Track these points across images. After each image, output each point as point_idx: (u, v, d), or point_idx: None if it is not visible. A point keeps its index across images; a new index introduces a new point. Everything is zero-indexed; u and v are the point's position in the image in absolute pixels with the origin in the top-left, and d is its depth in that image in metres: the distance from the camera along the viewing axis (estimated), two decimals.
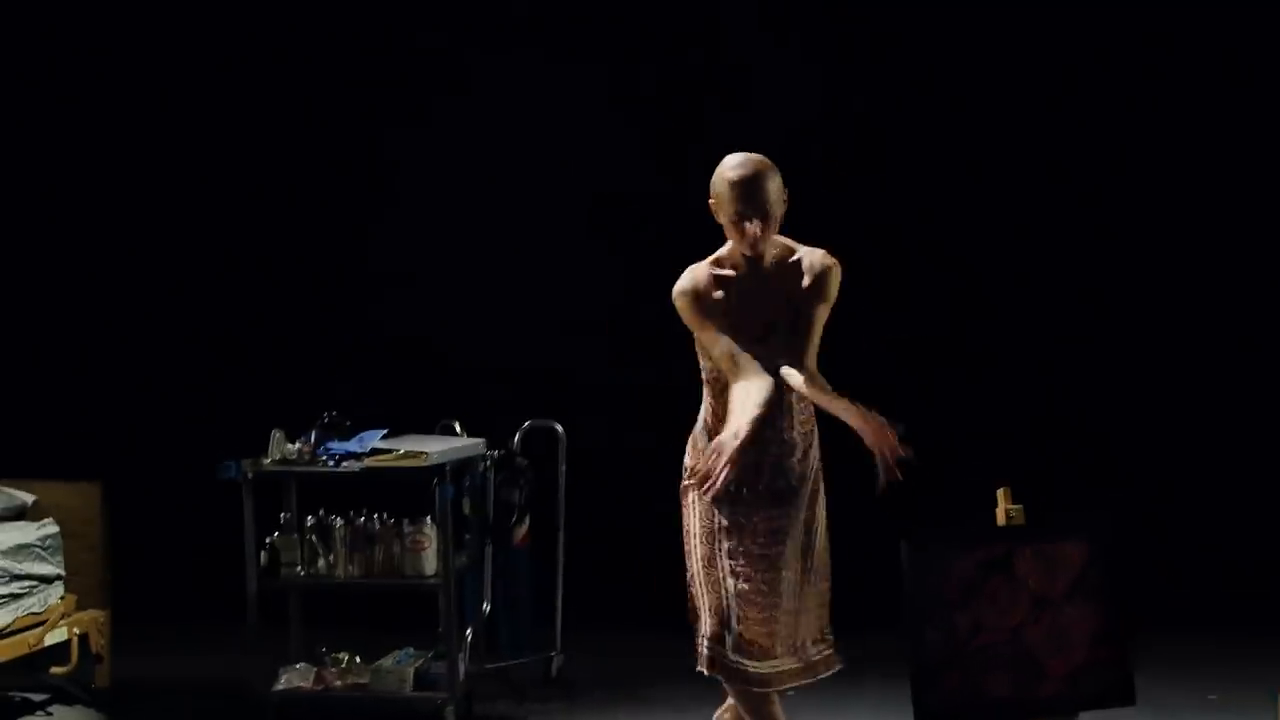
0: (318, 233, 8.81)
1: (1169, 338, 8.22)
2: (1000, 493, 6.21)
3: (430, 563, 6.61)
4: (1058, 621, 6.12)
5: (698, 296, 5.17)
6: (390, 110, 8.77)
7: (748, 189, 5.10)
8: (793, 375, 5.11)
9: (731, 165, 5.14)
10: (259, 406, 7.38)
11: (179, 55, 8.88)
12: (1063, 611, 6.13)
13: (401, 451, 6.58)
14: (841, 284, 5.21)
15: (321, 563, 6.71)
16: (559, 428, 7.46)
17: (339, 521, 6.72)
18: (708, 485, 5.02)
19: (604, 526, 7.95)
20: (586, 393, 8.26)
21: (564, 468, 7.46)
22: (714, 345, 5.13)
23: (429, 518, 6.63)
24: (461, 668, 6.72)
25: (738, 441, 5.00)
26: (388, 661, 6.73)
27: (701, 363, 5.26)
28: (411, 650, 6.81)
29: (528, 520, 7.37)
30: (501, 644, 7.37)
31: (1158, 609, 7.35)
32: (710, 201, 5.20)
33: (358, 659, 6.79)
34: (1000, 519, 6.21)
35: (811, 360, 5.16)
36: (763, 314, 5.18)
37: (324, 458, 6.62)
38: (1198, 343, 8.18)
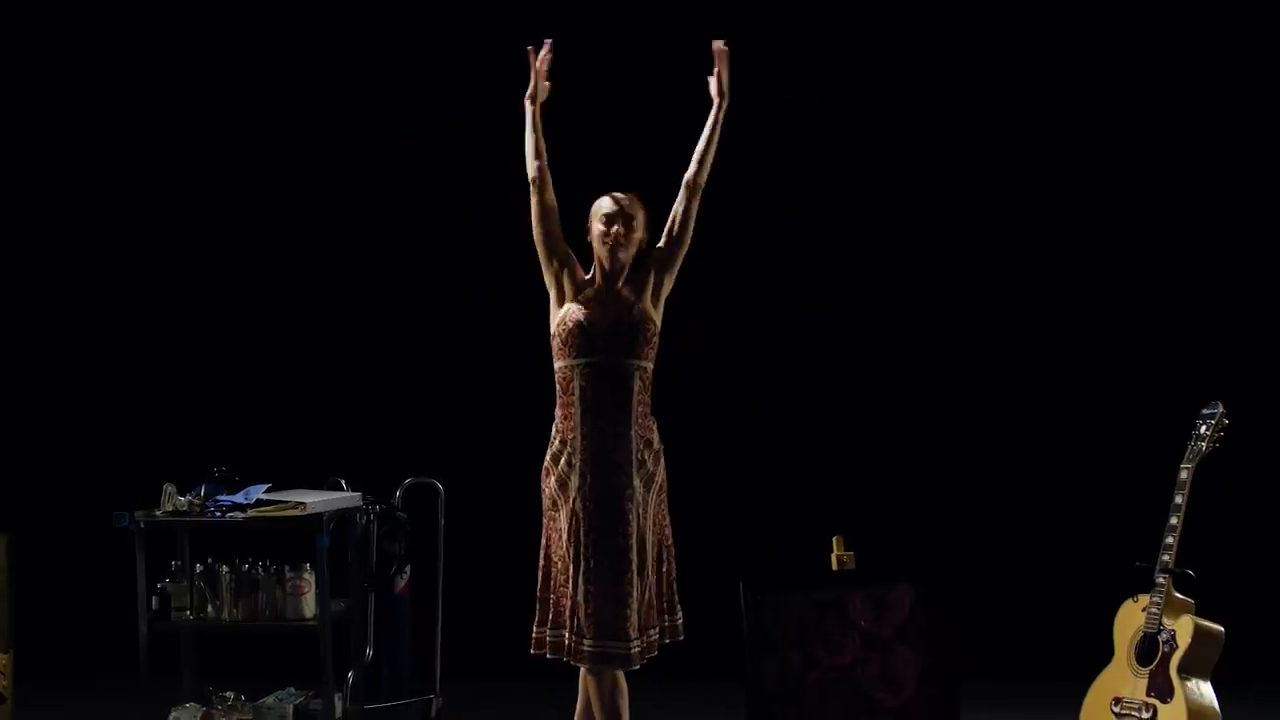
0: (213, 292, 8.97)
1: (1007, 383, 8.52)
2: (835, 540, 6.53)
3: (310, 607, 6.95)
4: (887, 660, 6.42)
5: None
6: (265, 163, 8.92)
7: (615, 202, 5.84)
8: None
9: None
10: (158, 462, 7.63)
11: None
12: (892, 651, 6.42)
13: (285, 503, 6.92)
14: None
15: (210, 608, 7.02)
16: (439, 485, 7.69)
17: (225, 569, 7.03)
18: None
19: (481, 578, 8.19)
20: (467, 452, 8.49)
21: (444, 522, 7.69)
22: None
23: (309, 564, 6.97)
24: (339, 704, 7.04)
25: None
26: (270, 699, 7.05)
27: (555, 365, 5.78)
28: (293, 690, 7.14)
29: (409, 570, 7.59)
30: (383, 687, 7.54)
31: (995, 655, 7.83)
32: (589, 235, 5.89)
33: (243, 697, 7.10)
34: (834, 564, 6.50)
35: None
36: (609, 318, 5.77)
37: (211, 509, 6.93)
38: (1039, 389, 8.48)
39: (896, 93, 8.53)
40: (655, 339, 5.80)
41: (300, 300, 8.91)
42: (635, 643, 5.68)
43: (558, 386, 5.78)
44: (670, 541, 5.89)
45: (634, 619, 5.65)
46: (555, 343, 5.82)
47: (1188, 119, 8.34)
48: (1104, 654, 6.19)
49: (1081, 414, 8.43)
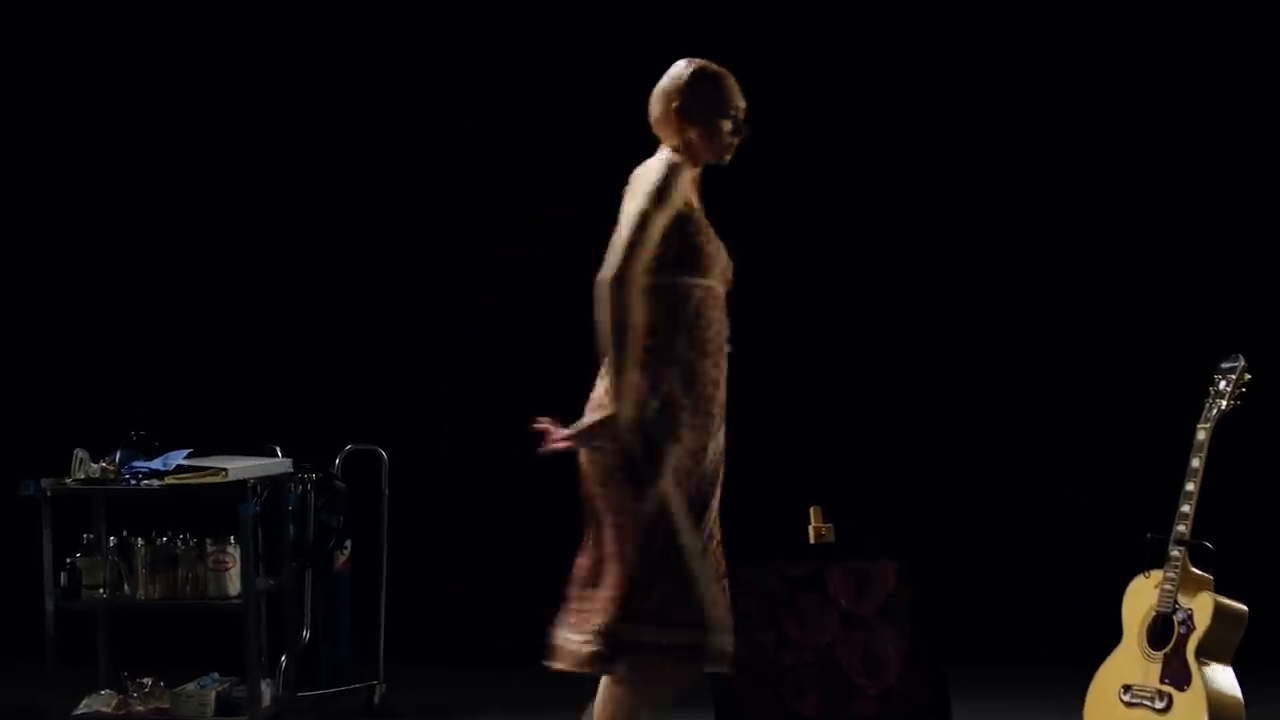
0: (135, 249, 8.68)
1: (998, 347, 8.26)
2: (812, 510, 6.31)
3: (234, 584, 6.57)
4: (870, 641, 6.24)
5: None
6: (206, 132, 8.67)
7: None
8: None
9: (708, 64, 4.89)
10: (70, 425, 7.38)
11: None
12: (875, 631, 6.25)
13: (204, 469, 6.55)
14: None
15: (126, 585, 6.66)
16: (383, 452, 7.42)
17: (140, 542, 6.67)
18: None
19: (429, 554, 7.98)
20: (413, 417, 8.24)
21: (388, 492, 7.41)
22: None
23: (233, 537, 6.60)
24: (267, 692, 6.68)
25: None
26: (190, 687, 6.69)
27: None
28: (216, 675, 6.79)
29: (349, 545, 7.35)
30: (321, 672, 7.34)
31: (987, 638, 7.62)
32: (674, 106, 4.85)
33: (161, 684, 6.74)
34: (811, 537, 6.29)
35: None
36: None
37: (127, 476, 6.58)
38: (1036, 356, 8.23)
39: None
40: None
41: (236, 256, 8.63)
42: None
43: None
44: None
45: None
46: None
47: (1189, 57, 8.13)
48: (1111, 636, 5.82)
49: (1087, 371, 8.10)
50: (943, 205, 8.25)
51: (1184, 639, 5.59)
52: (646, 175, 4.75)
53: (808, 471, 7.63)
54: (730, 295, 4.86)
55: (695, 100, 4.82)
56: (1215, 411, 5.72)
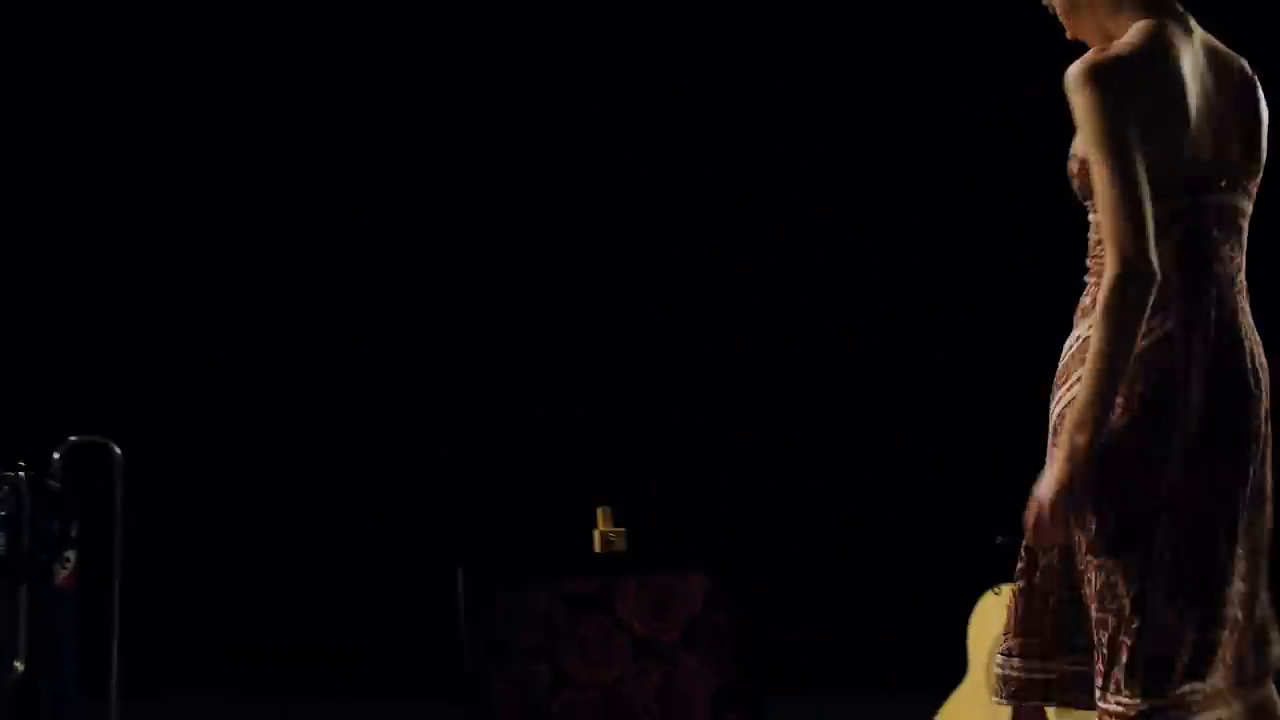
0: None
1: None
2: (599, 512, 5.75)
3: None
4: (670, 675, 5.80)
5: None
6: None
7: None
8: None
9: None
10: None
11: None
12: (677, 662, 5.73)
13: None
14: None
15: None
16: (115, 447, 6.71)
17: None
18: None
19: (172, 566, 7.49)
20: (150, 405, 7.72)
21: (121, 493, 6.72)
22: None
23: None
24: None
25: None
26: None
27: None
28: None
29: (72, 557, 6.55)
30: (41, 709, 6.54)
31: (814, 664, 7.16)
32: None
33: None
34: (597, 545, 5.82)
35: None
36: None
37: None
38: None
39: None
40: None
41: None
42: None
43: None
44: None
45: None
46: None
47: None
48: (957, 666, 5.29)
49: (915, 343, 7.63)
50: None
51: None
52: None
53: (593, 464, 7.22)
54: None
55: None
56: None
